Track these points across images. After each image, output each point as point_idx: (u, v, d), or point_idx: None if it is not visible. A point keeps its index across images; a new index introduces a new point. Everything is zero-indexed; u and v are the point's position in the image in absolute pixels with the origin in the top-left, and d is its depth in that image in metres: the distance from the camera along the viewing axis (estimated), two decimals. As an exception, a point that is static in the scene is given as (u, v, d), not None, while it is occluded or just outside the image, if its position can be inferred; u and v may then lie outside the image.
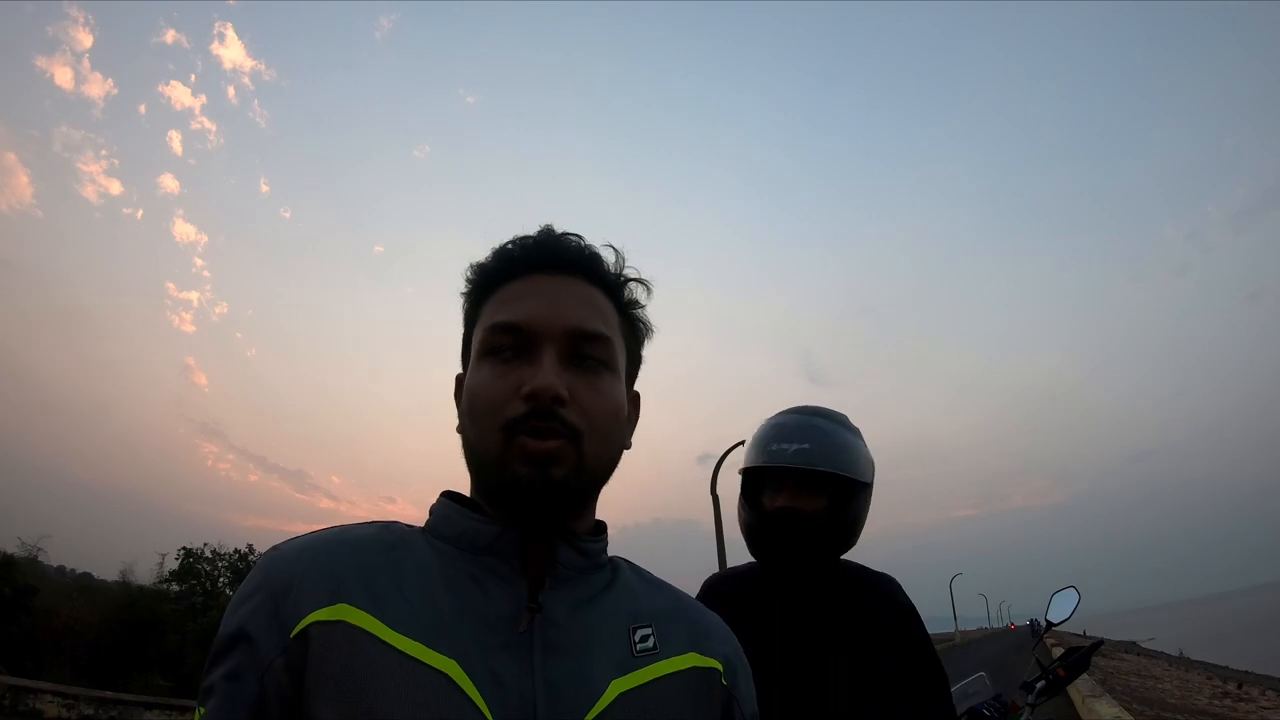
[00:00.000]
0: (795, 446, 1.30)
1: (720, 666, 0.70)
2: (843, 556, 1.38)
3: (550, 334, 0.65)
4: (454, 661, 0.58)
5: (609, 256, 0.72)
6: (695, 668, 0.68)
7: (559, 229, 0.72)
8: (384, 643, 0.57)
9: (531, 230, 0.72)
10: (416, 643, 0.58)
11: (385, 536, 0.65)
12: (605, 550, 0.71)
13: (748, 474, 1.39)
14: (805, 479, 1.30)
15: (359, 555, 0.62)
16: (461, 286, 0.73)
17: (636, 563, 0.77)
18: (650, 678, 0.65)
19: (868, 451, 1.38)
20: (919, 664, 1.28)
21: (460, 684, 0.57)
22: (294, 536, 0.65)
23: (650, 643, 0.67)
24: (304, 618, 0.58)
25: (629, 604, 0.69)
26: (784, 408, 1.45)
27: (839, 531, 1.32)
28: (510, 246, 0.71)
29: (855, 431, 1.39)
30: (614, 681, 0.62)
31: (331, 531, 0.66)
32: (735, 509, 1.44)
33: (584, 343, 0.66)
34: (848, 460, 1.32)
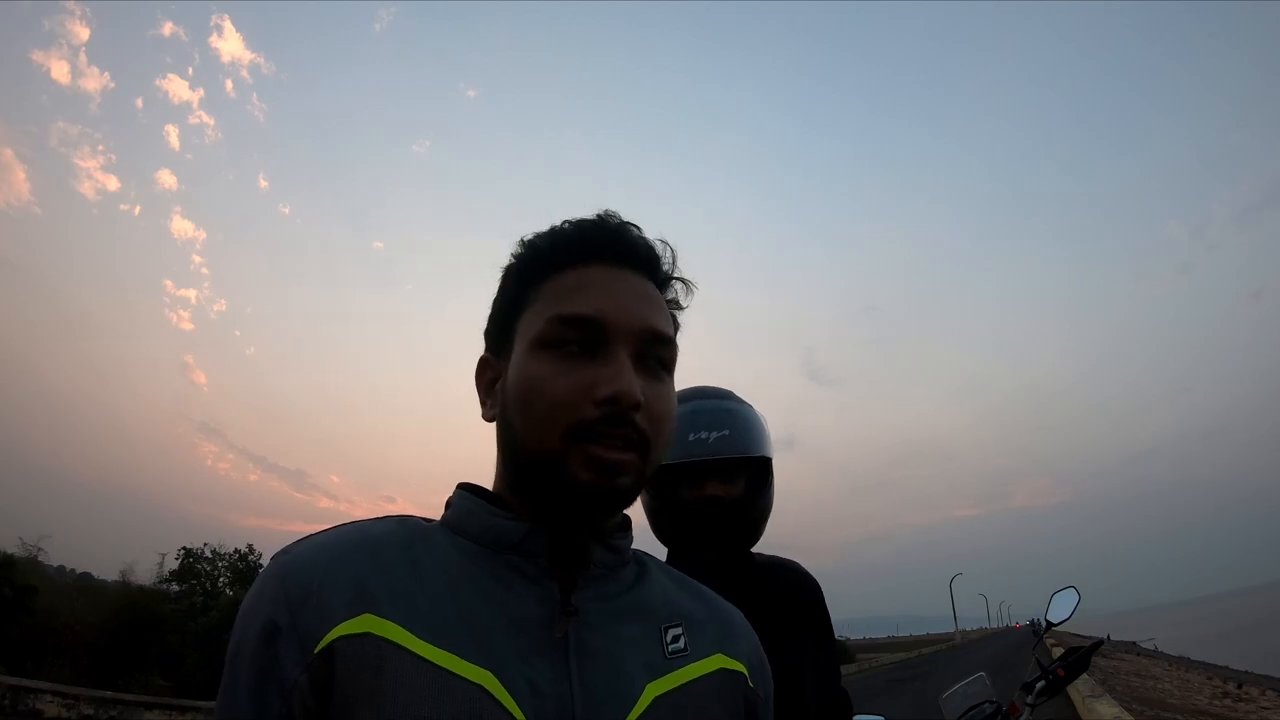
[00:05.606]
0: (715, 434, 1.24)
1: (745, 669, 0.69)
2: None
3: (624, 333, 0.61)
4: (489, 672, 0.55)
5: (663, 252, 0.69)
6: (722, 669, 0.67)
7: (580, 216, 0.68)
8: (415, 655, 0.54)
9: (555, 216, 0.66)
10: (449, 653, 0.55)
11: (404, 534, 0.61)
12: (631, 545, 0.69)
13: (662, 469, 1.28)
14: (725, 466, 1.26)
15: (379, 557, 0.58)
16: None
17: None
18: (683, 680, 0.63)
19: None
20: (830, 640, 1.31)
21: (497, 696, 0.55)
22: (304, 537, 0.61)
23: (681, 643, 0.65)
24: (327, 633, 0.54)
25: (658, 602, 0.67)
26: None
27: (764, 513, 1.30)
28: (569, 229, 0.66)
29: (749, 405, 1.35)
30: (649, 685, 0.61)
31: (346, 530, 0.61)
32: None
33: (655, 345, 0.64)
34: (766, 440, 1.30)
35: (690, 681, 0.63)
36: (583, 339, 0.61)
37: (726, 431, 1.25)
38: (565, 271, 0.64)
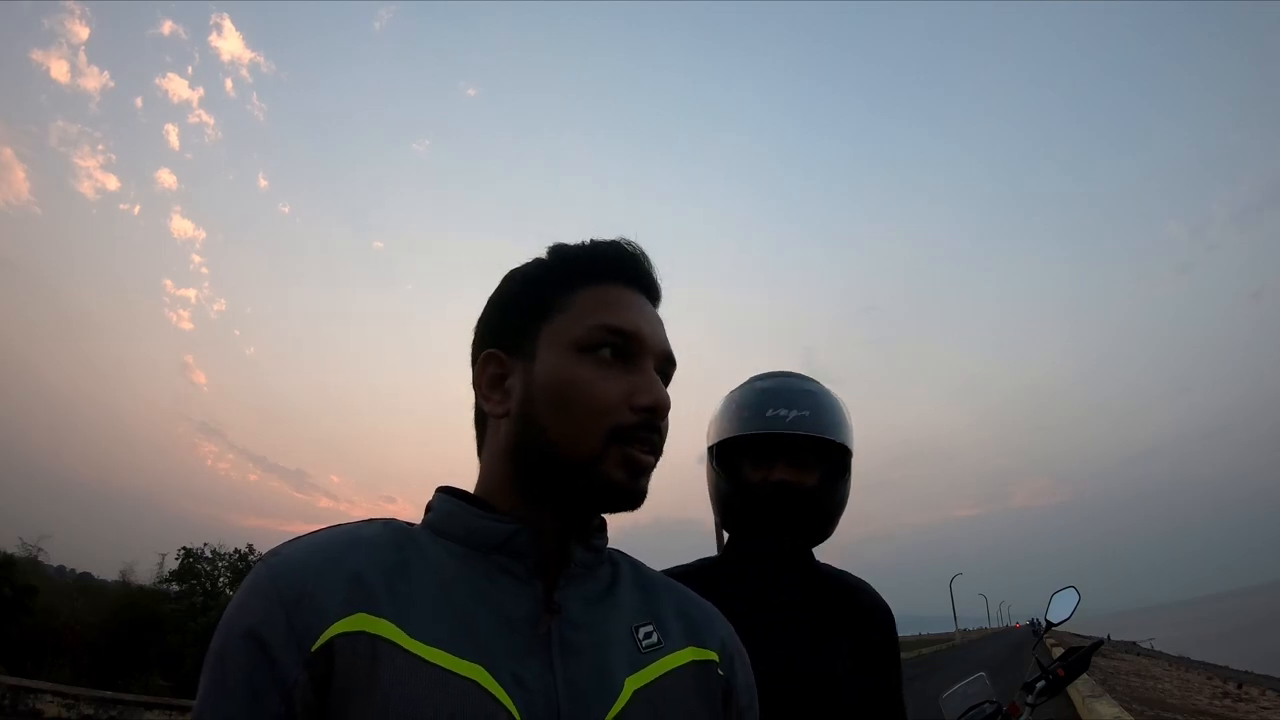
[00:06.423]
0: (794, 413, 1.16)
1: (717, 657, 0.71)
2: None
3: (653, 351, 0.68)
4: (481, 668, 0.57)
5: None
6: (695, 661, 0.69)
7: (606, 238, 0.73)
8: (409, 653, 0.56)
9: (554, 228, 0.71)
10: (442, 651, 0.57)
11: (391, 536, 0.63)
12: (607, 544, 0.72)
13: (729, 442, 1.22)
14: (800, 451, 1.18)
15: (370, 557, 0.60)
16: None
17: (636, 558, 0.77)
18: (659, 673, 0.65)
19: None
20: (896, 676, 1.22)
21: (490, 690, 0.56)
22: (293, 539, 0.62)
23: (655, 638, 0.67)
24: (324, 630, 0.55)
25: (632, 599, 0.70)
26: (755, 374, 1.30)
27: (838, 507, 1.23)
28: (601, 247, 0.71)
29: (836, 394, 1.27)
30: (628, 679, 0.63)
31: (335, 532, 0.62)
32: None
33: (667, 365, 0.71)
34: (847, 429, 1.22)
35: (666, 674, 0.66)
36: (619, 349, 0.66)
37: (807, 413, 1.17)
38: (596, 285, 0.69)
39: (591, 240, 0.72)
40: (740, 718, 0.72)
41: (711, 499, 1.28)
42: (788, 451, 1.18)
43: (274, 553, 0.60)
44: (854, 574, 1.28)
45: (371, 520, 0.65)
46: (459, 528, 0.65)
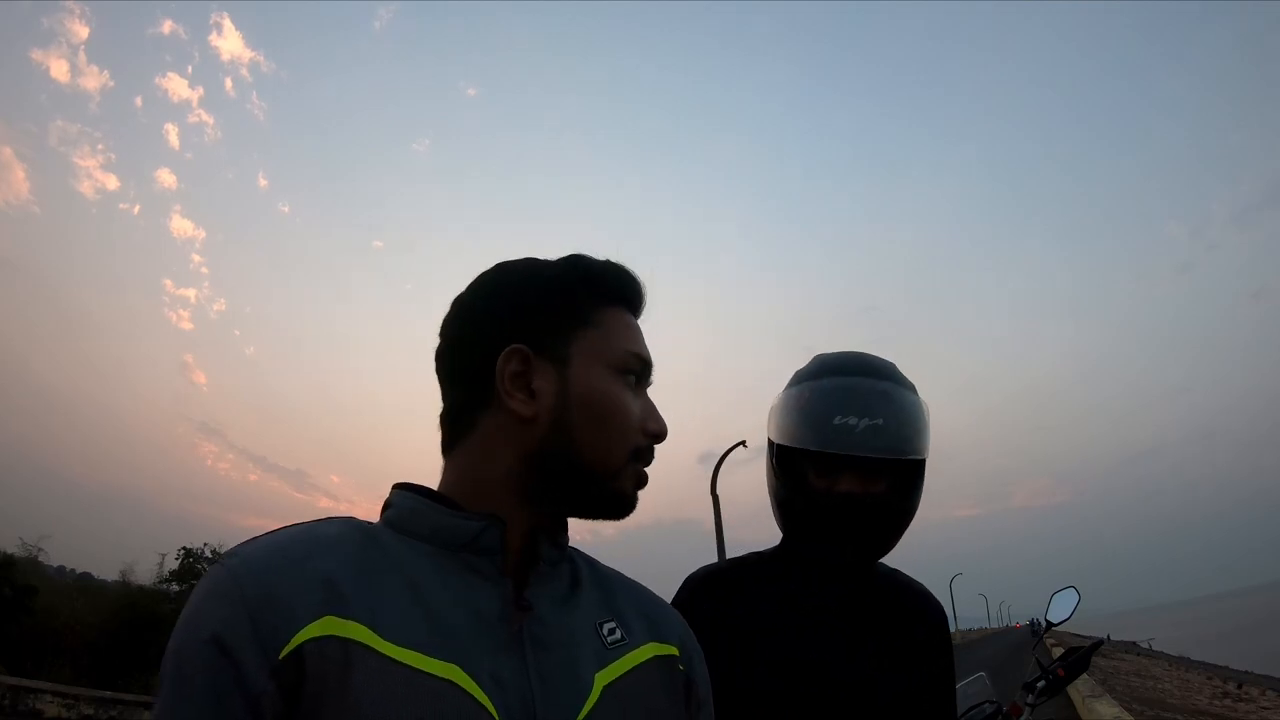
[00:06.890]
0: (865, 423, 1.03)
1: (677, 652, 0.73)
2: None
3: (651, 380, 0.74)
4: (456, 667, 0.56)
5: None
6: (657, 656, 0.70)
7: (615, 259, 0.75)
8: (381, 654, 0.54)
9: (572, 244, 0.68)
10: (415, 652, 0.55)
11: (354, 534, 0.61)
12: (568, 543, 0.72)
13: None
14: (869, 460, 1.05)
15: (336, 558, 0.57)
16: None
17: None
18: (625, 669, 0.66)
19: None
20: (948, 677, 1.16)
21: (467, 688, 0.56)
22: (251, 539, 0.59)
23: (619, 634, 0.68)
24: (293, 636, 0.52)
25: (594, 596, 0.71)
26: (824, 353, 1.17)
27: (907, 517, 1.14)
28: (623, 273, 0.74)
29: (912, 387, 1.13)
30: (597, 675, 0.63)
31: (296, 531, 0.60)
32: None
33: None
34: (925, 437, 1.10)
35: (631, 669, 0.67)
36: (638, 376, 0.71)
37: (880, 421, 1.04)
38: (616, 308, 0.72)
39: (608, 260, 0.74)
40: (700, 710, 0.73)
41: (770, 496, 1.19)
42: (856, 460, 1.06)
43: (232, 553, 0.57)
44: (917, 580, 1.22)
45: (330, 519, 0.63)
46: (425, 526, 0.63)
